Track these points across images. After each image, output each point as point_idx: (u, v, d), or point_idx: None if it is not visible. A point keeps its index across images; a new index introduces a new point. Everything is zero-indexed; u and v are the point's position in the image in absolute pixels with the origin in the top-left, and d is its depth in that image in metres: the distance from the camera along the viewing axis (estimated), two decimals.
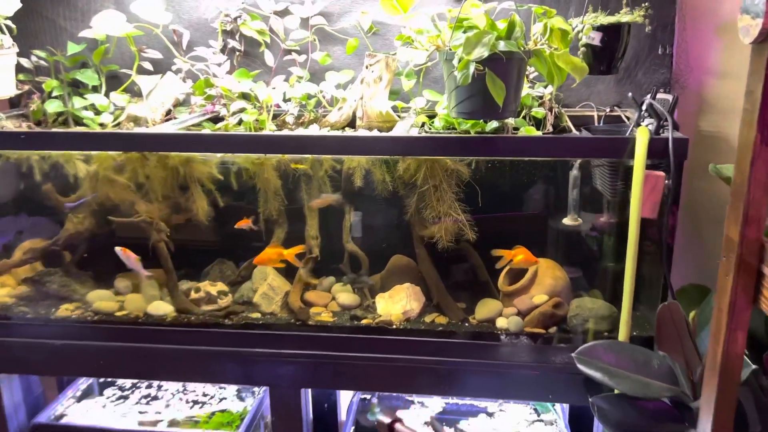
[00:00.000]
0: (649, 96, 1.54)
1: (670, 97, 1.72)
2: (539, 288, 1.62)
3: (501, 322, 1.61)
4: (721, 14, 1.71)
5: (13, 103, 1.99)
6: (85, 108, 1.85)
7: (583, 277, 1.69)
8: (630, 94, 1.57)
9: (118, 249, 1.61)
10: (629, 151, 1.38)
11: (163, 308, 1.69)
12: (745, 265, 1.05)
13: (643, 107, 1.55)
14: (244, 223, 1.63)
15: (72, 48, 1.90)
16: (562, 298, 1.61)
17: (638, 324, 1.55)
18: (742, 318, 1.09)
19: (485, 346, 1.56)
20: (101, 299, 1.73)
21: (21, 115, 1.92)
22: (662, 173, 1.39)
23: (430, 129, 1.67)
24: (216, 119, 1.78)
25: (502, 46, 1.26)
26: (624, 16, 1.43)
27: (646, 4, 1.46)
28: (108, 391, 2.04)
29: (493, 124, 1.56)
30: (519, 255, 1.58)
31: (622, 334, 1.44)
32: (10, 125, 1.85)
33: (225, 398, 2.01)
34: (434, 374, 1.57)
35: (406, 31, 1.46)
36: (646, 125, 1.52)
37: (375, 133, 1.63)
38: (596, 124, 1.75)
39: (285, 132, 1.65)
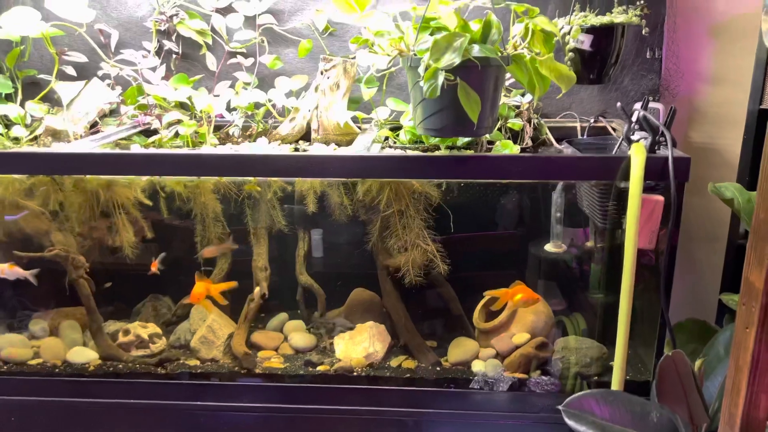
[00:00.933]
0: (639, 105, 1.37)
1: (660, 107, 1.56)
2: (520, 325, 1.44)
3: (477, 365, 1.43)
4: (715, 14, 1.55)
5: None
6: None
7: (569, 311, 1.51)
8: (619, 104, 1.39)
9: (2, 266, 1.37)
10: (623, 171, 1.20)
11: (85, 355, 1.45)
12: None
13: (633, 119, 1.38)
14: (153, 267, 1.41)
15: None
16: (546, 336, 1.43)
17: (631, 364, 1.38)
18: (765, 378, 0.92)
19: (460, 394, 1.37)
20: (12, 345, 1.48)
21: None
22: (661, 197, 1.22)
23: (395, 143, 1.49)
24: (149, 132, 1.55)
25: (476, 51, 1.06)
26: (618, 16, 1.24)
27: (642, 2, 1.28)
28: None
29: (466, 138, 1.37)
30: (518, 294, 1.38)
31: (616, 381, 1.26)
32: None
33: None
34: (402, 427, 1.37)
35: (364, 32, 1.25)
36: (638, 140, 1.35)
37: (332, 150, 1.43)
38: (579, 136, 1.58)
39: (226, 150, 1.44)
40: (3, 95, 1.66)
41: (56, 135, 1.61)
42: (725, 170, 1.56)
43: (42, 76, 1.69)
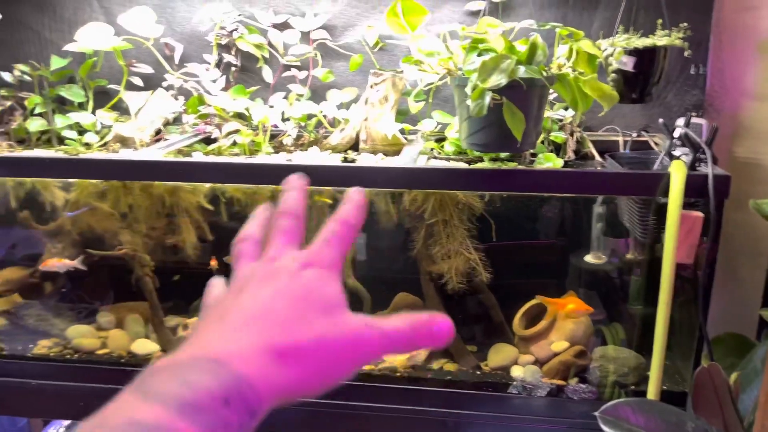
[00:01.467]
0: (682, 121, 1.40)
1: (703, 122, 1.58)
2: (559, 333, 1.48)
3: (516, 371, 1.48)
4: (761, 30, 1.56)
5: None
6: (70, 127, 1.73)
7: (608, 321, 1.55)
8: (661, 120, 1.42)
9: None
10: (662, 187, 1.24)
11: (148, 347, 1.56)
12: None
13: (675, 134, 1.41)
14: (212, 263, 1.51)
15: (56, 62, 1.78)
16: (584, 344, 1.47)
17: (667, 375, 1.41)
18: None
19: (498, 398, 1.42)
20: (81, 335, 1.61)
21: (2, 133, 1.81)
22: (700, 214, 1.25)
23: (439, 154, 1.55)
24: (209, 140, 1.66)
25: (522, 72, 1.12)
26: (660, 39, 1.28)
27: (685, 24, 1.32)
28: None
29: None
30: (569, 304, 1.41)
31: (652, 392, 1.30)
32: None
33: None
34: (442, 428, 1.43)
35: (414, 52, 1.32)
36: (679, 156, 1.38)
37: (379, 161, 1.50)
38: (622, 150, 1.61)
39: (281, 160, 1.53)
40: (76, 104, 1.80)
41: (124, 142, 1.73)
42: None
43: (111, 86, 1.81)
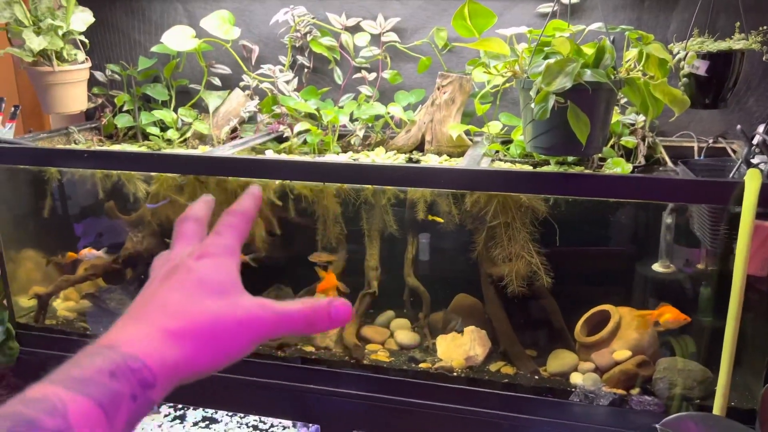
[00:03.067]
0: (762, 128, 1.35)
1: None
2: (622, 342, 1.46)
3: (576, 378, 1.47)
4: None
5: (89, 115, 2.04)
6: (154, 123, 1.85)
7: (675, 332, 1.51)
8: (739, 126, 1.38)
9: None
10: (736, 197, 1.20)
11: None
12: None
13: (754, 141, 1.36)
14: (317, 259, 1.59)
15: (143, 63, 1.91)
16: (648, 355, 1.44)
17: (736, 391, 1.36)
18: None
19: (556, 403, 1.42)
20: None
21: (94, 128, 1.96)
22: None
23: (504, 156, 1.56)
24: (281, 139, 1.74)
25: (588, 75, 1.12)
26: (737, 42, 1.24)
27: (765, 27, 1.27)
28: (164, 409, 2.04)
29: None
30: (666, 314, 1.39)
31: (718, 407, 1.26)
32: (82, 138, 1.89)
33: (287, 427, 1.96)
34: (497, 429, 1.44)
35: (481, 54, 1.34)
36: (758, 164, 1.34)
37: (439, 163, 1.53)
38: (696, 157, 1.57)
39: (346, 159, 1.59)
40: (160, 102, 1.93)
41: (202, 138, 1.85)
42: None
43: (192, 85, 1.93)
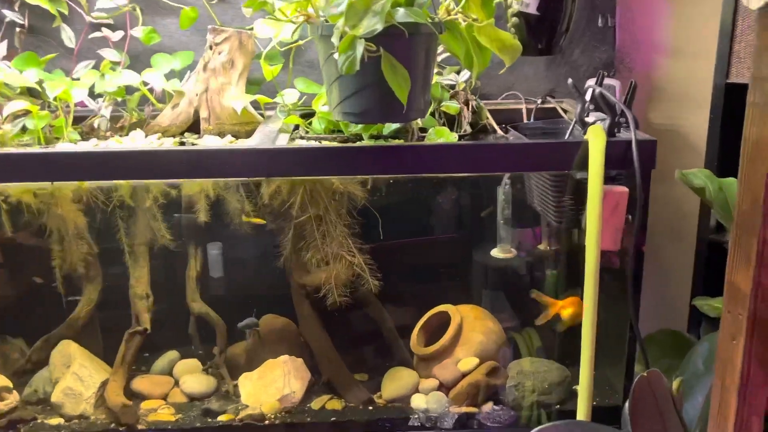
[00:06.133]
0: (593, 82, 1.38)
1: (616, 83, 1.57)
2: (466, 348, 1.43)
3: (417, 400, 1.41)
4: None
5: None
6: None
7: (521, 327, 1.51)
8: (570, 80, 1.39)
9: None
10: (579, 159, 1.19)
11: None
12: (762, 324, 0.87)
13: (588, 97, 1.38)
14: None
15: None
16: (498, 359, 1.41)
17: (596, 388, 1.38)
18: (757, 399, 0.93)
19: None
20: None
21: None
22: (625, 189, 1.21)
23: (307, 133, 1.44)
24: None
25: (402, 15, 1.02)
26: None
27: None
28: None
29: (393, 125, 1.35)
30: (568, 308, 1.37)
31: (582, 411, 1.25)
32: None
33: None
34: None
35: None
36: (594, 122, 1.35)
37: (227, 144, 1.36)
38: (525, 120, 1.58)
39: (88, 147, 1.34)
40: None
41: None
42: (689, 154, 1.59)
43: None
